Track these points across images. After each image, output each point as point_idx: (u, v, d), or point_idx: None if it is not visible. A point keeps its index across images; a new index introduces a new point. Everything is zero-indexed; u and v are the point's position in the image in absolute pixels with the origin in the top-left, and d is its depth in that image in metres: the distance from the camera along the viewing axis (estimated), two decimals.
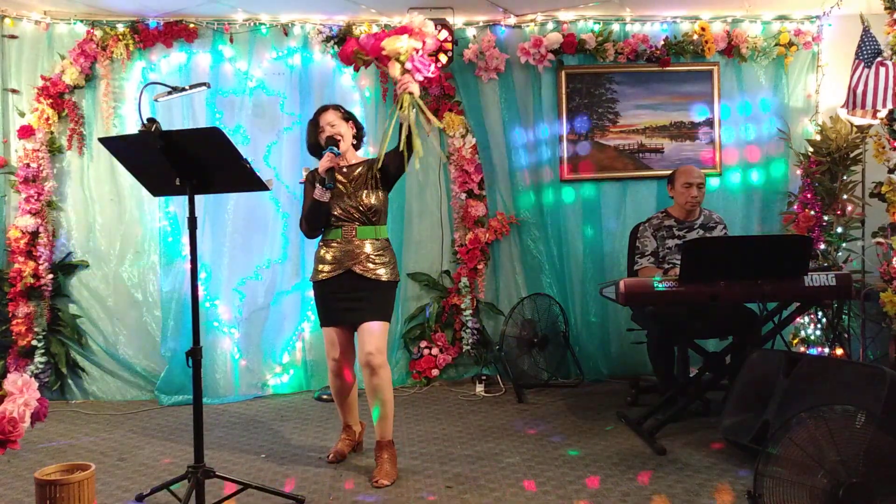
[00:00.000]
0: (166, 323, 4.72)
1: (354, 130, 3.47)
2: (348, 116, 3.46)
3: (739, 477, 3.12)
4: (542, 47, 4.93)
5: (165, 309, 4.73)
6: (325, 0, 4.67)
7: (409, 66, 3.13)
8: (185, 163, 2.69)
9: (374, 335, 3.23)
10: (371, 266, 3.27)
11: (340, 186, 3.32)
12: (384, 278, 3.28)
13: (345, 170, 3.36)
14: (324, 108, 3.47)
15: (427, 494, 3.03)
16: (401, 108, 3.14)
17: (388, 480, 3.15)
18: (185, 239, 4.61)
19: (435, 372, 4.91)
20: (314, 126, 3.42)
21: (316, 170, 3.32)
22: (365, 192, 3.31)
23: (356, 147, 3.50)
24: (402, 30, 3.15)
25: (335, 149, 3.29)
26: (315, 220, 3.34)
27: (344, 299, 3.29)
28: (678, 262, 3.87)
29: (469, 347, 4.94)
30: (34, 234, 4.63)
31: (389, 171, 3.32)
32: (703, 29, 5.04)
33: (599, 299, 4.77)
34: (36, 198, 4.63)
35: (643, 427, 3.73)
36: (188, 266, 3.19)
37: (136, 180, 3.04)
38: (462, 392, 4.75)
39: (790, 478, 2.30)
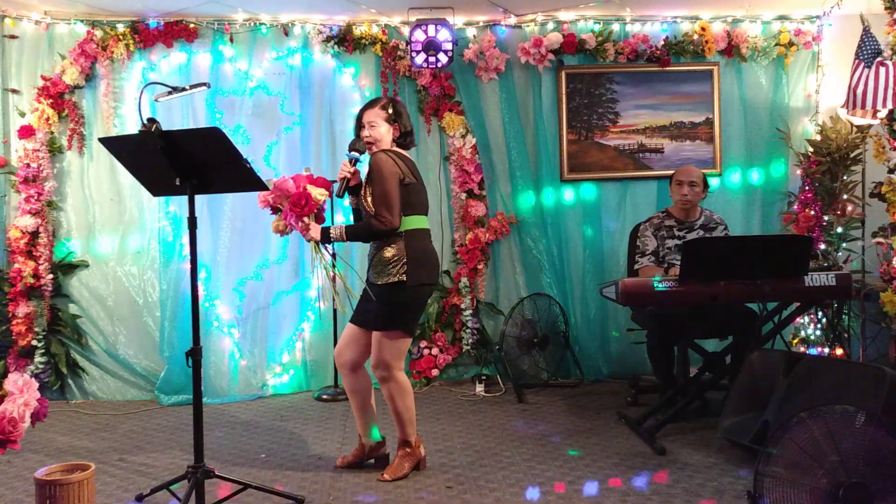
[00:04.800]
0: (165, 323, 4.72)
1: (398, 133, 3.23)
2: (395, 118, 3.21)
3: (739, 477, 3.13)
4: (542, 47, 4.93)
5: (165, 309, 4.73)
6: (325, 0, 4.67)
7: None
8: (185, 163, 2.69)
9: (375, 346, 3.17)
10: (372, 272, 3.20)
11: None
12: (374, 281, 3.15)
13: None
14: (371, 104, 3.24)
15: (427, 494, 3.03)
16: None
17: (388, 475, 3.19)
18: (185, 239, 4.60)
19: (435, 372, 4.91)
20: (358, 120, 3.25)
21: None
22: (367, 192, 3.17)
23: (404, 148, 3.28)
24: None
25: (355, 155, 3.17)
26: (356, 221, 3.32)
27: (364, 300, 3.27)
28: (678, 262, 3.87)
29: (469, 347, 4.94)
30: (34, 234, 4.62)
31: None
32: (703, 29, 5.04)
33: (599, 299, 4.77)
34: (36, 198, 4.63)
35: (643, 427, 3.73)
36: (188, 266, 3.19)
37: (136, 180, 3.04)
38: (462, 392, 4.74)
39: (790, 478, 2.30)
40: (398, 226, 3.11)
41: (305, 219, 3.09)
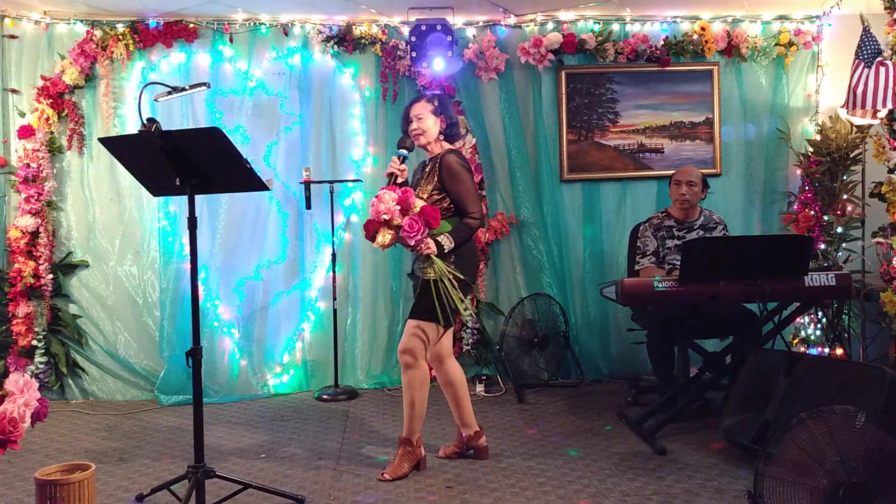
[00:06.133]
0: (165, 323, 4.71)
1: (444, 125, 3.35)
2: (441, 110, 3.35)
3: (739, 477, 3.13)
4: (542, 47, 4.93)
5: (165, 309, 4.72)
6: (325, 0, 4.67)
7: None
8: (185, 163, 2.69)
9: (407, 333, 3.26)
10: (417, 264, 3.28)
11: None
12: (419, 275, 3.26)
13: (426, 161, 3.38)
14: (416, 98, 3.40)
15: (427, 494, 3.03)
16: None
17: (388, 475, 3.21)
18: (185, 239, 4.60)
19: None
20: (405, 116, 3.38)
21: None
22: (424, 188, 3.27)
23: (449, 141, 3.39)
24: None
25: (404, 152, 3.27)
26: None
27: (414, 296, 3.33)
28: (679, 263, 3.87)
29: (469, 347, 4.93)
30: (34, 234, 4.62)
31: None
32: (703, 29, 5.04)
33: (599, 299, 4.77)
34: (36, 198, 4.63)
35: (643, 427, 3.73)
36: (188, 266, 3.19)
37: (136, 180, 3.04)
38: None
39: (790, 478, 2.30)
40: (484, 218, 3.25)
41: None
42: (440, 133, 3.35)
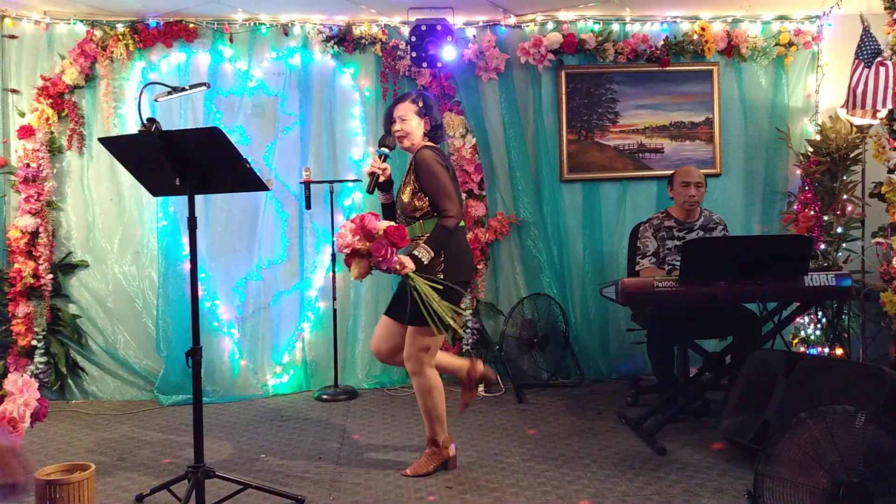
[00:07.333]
0: (162, 322, 4.71)
1: (428, 127, 3.23)
2: (426, 111, 3.22)
3: (739, 477, 3.12)
4: (542, 47, 4.93)
5: (164, 309, 4.72)
6: (324, 0, 4.67)
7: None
8: (185, 163, 2.69)
9: (409, 340, 3.17)
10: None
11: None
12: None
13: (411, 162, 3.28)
14: (402, 98, 3.27)
15: (427, 494, 3.03)
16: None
17: (410, 471, 3.24)
18: (185, 239, 4.60)
19: None
20: (389, 115, 3.27)
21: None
22: (405, 188, 3.20)
23: (434, 142, 3.27)
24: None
25: (385, 151, 3.19)
26: (387, 218, 3.25)
27: (401, 293, 3.23)
28: (679, 264, 3.87)
29: (469, 347, 4.93)
30: (34, 234, 4.62)
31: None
32: (702, 29, 5.04)
33: (599, 299, 4.77)
34: (36, 198, 4.63)
35: (643, 427, 3.73)
36: (188, 266, 3.19)
37: (136, 180, 3.04)
38: None
39: (790, 478, 2.30)
40: (461, 215, 3.15)
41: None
42: (424, 135, 3.25)
